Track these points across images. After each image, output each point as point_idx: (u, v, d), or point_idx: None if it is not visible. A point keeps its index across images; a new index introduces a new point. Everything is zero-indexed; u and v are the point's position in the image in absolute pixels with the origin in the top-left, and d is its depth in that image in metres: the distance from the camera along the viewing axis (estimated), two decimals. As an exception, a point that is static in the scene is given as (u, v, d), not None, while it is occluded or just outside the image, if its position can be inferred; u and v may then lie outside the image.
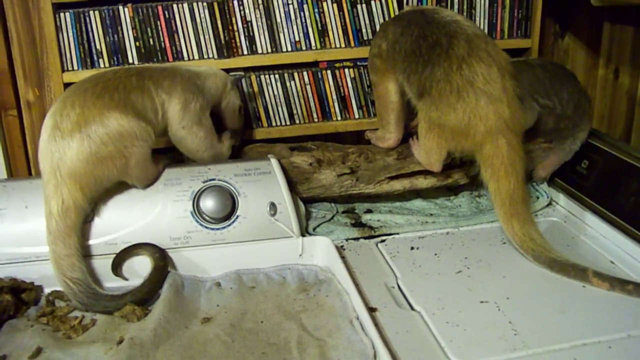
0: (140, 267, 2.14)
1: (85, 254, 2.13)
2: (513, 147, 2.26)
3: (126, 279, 2.14)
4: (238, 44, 2.83)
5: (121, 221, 2.20)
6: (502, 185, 2.26)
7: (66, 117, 2.07)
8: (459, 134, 2.28)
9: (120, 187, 2.22)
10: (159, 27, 2.76)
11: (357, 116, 2.99)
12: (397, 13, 2.89)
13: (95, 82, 2.16)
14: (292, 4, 2.83)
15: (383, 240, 2.42)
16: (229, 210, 2.25)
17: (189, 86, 2.34)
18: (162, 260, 2.11)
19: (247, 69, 2.86)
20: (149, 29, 2.75)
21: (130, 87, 2.18)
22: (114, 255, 2.14)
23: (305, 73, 2.91)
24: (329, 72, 2.92)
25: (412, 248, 2.35)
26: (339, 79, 2.93)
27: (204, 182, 2.27)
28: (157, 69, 2.35)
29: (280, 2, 2.82)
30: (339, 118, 2.98)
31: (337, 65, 2.92)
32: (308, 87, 2.92)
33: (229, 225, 2.24)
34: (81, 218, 2.10)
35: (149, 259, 2.13)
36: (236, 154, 2.62)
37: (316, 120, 2.97)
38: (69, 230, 2.05)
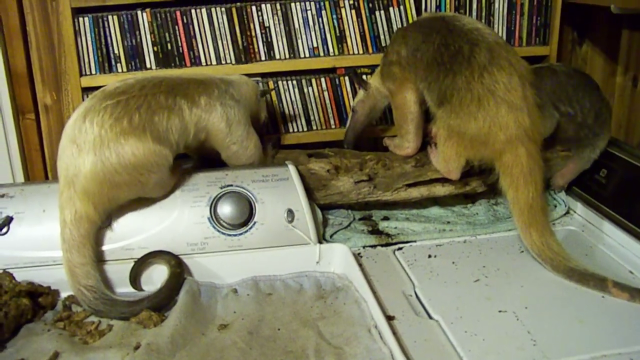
0: (156, 275, 2.14)
1: (102, 259, 2.14)
2: (532, 156, 2.25)
3: (143, 290, 2.14)
4: (256, 50, 2.83)
5: (138, 227, 2.20)
6: (521, 194, 2.26)
7: (84, 134, 2.03)
8: (479, 143, 2.28)
9: (138, 193, 2.22)
10: (177, 32, 2.76)
11: (374, 122, 2.98)
12: (415, 19, 2.88)
13: (117, 100, 2.09)
14: (310, 10, 2.83)
15: (400, 248, 2.41)
16: (246, 217, 2.24)
17: (227, 100, 2.32)
18: (179, 267, 2.10)
19: (264, 75, 2.86)
20: (167, 34, 2.76)
21: (156, 106, 2.12)
22: (131, 267, 2.13)
23: (323, 79, 2.91)
24: (346, 78, 2.92)
25: (429, 256, 2.34)
26: (356, 86, 2.92)
27: (221, 188, 2.27)
28: (191, 82, 2.27)
29: (298, 8, 2.82)
30: (357, 124, 2.97)
31: (355, 71, 2.91)
32: (325, 93, 2.92)
33: (246, 231, 2.23)
34: (95, 228, 2.09)
35: (165, 266, 2.12)
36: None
37: (333, 126, 2.97)
38: (83, 239, 2.05)
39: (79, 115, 2.08)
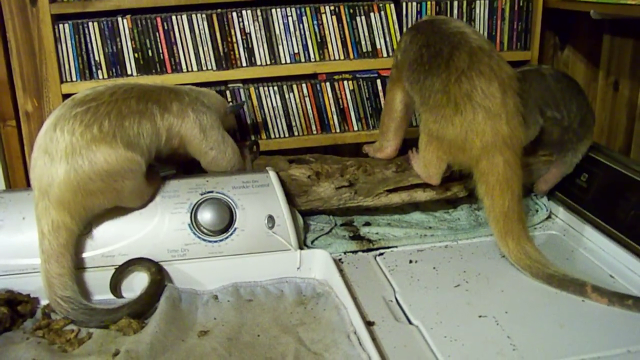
0: (137, 282, 2.14)
1: (82, 266, 2.13)
2: (510, 164, 2.25)
3: (123, 298, 2.13)
4: (237, 56, 2.83)
5: (118, 234, 2.19)
6: (497, 203, 2.26)
7: (55, 143, 2.01)
8: (456, 148, 2.28)
9: (117, 199, 2.21)
10: (158, 38, 2.76)
11: (356, 128, 2.99)
12: (396, 25, 2.90)
13: (87, 107, 2.07)
14: (291, 15, 2.82)
15: (381, 254, 2.41)
16: (226, 223, 2.23)
17: (199, 106, 2.32)
18: (159, 274, 2.10)
19: (245, 81, 2.86)
20: (147, 41, 2.75)
21: (127, 111, 2.11)
22: (111, 275, 2.13)
23: (304, 85, 2.91)
24: (327, 84, 2.92)
25: (410, 261, 2.34)
26: (337, 91, 2.93)
27: (201, 195, 2.26)
28: (162, 90, 2.27)
29: (279, 14, 2.82)
30: (338, 130, 2.98)
31: (336, 77, 2.92)
32: (307, 99, 2.92)
33: (226, 237, 2.23)
34: (73, 237, 2.07)
35: (146, 274, 2.12)
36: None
37: (315, 132, 2.97)
38: (61, 249, 2.03)
39: (50, 124, 2.06)
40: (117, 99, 2.12)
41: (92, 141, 2.02)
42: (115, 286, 2.13)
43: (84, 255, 2.15)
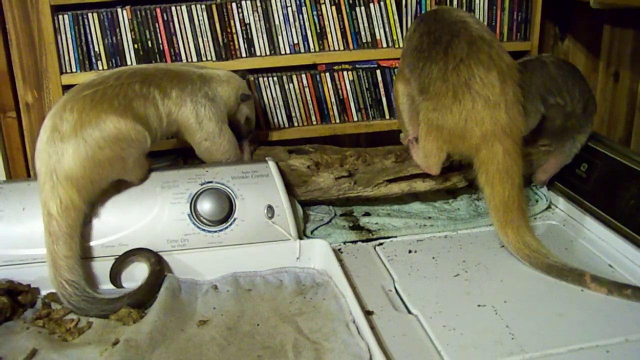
0: (138, 272, 2.14)
1: (82, 256, 2.12)
2: (509, 153, 2.24)
3: (123, 288, 2.14)
4: (236, 47, 2.83)
5: (118, 224, 2.20)
6: (497, 192, 2.25)
7: (65, 121, 2.06)
8: (457, 137, 2.27)
9: (118, 189, 2.22)
10: (158, 29, 2.75)
11: (355, 119, 2.99)
12: (395, 16, 2.90)
13: (95, 89, 2.14)
14: (291, 6, 2.82)
15: (381, 244, 2.41)
16: (226, 213, 2.24)
17: (199, 97, 2.33)
18: (159, 265, 2.11)
19: (245, 72, 2.85)
20: (147, 31, 2.75)
21: (132, 94, 2.17)
22: (111, 265, 2.14)
23: (303, 75, 2.91)
24: (327, 74, 2.92)
25: (410, 251, 2.34)
26: (337, 82, 2.93)
27: (201, 185, 2.26)
28: (167, 73, 2.30)
29: (278, 4, 2.82)
30: (338, 121, 2.98)
31: (335, 67, 2.92)
32: (307, 89, 2.92)
33: (226, 228, 2.23)
34: (81, 217, 2.09)
35: (146, 264, 2.12)
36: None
37: (315, 122, 2.97)
38: (70, 230, 2.05)
39: (59, 106, 2.12)
40: (123, 82, 2.18)
41: (102, 112, 2.09)
42: (115, 276, 2.14)
43: (84, 245, 2.14)
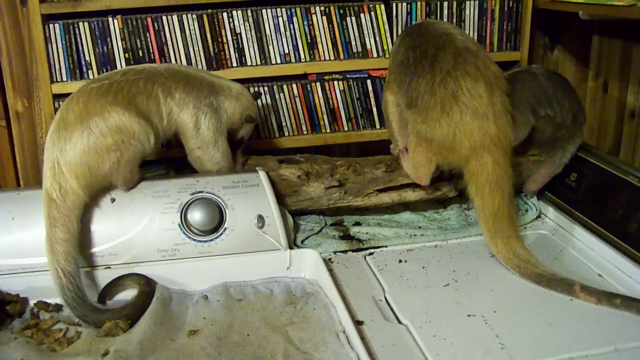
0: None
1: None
2: (499, 164, 2.25)
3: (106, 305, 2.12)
4: (227, 56, 2.83)
5: (109, 233, 2.19)
6: (486, 203, 2.26)
7: (71, 111, 2.12)
8: (445, 149, 2.27)
9: (108, 198, 2.22)
10: (149, 38, 2.75)
11: (346, 128, 2.99)
12: (386, 26, 2.91)
13: (101, 83, 2.19)
14: (282, 16, 2.83)
15: (371, 253, 2.41)
16: (216, 223, 2.24)
17: (203, 105, 2.34)
18: (148, 286, 2.10)
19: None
20: (138, 41, 2.75)
21: (136, 90, 2.21)
22: (102, 289, 2.14)
23: (294, 85, 2.91)
24: (318, 84, 2.92)
25: (400, 261, 2.34)
26: (328, 92, 2.93)
27: (191, 195, 2.26)
28: (174, 75, 2.33)
29: (269, 14, 2.82)
30: (328, 130, 2.98)
31: (326, 77, 2.93)
32: (297, 99, 2.92)
33: (216, 237, 2.23)
34: (80, 203, 2.11)
35: (136, 288, 2.11)
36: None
37: (305, 132, 2.97)
38: (69, 212, 2.07)
39: (67, 101, 2.18)
40: (128, 79, 2.23)
41: (106, 104, 2.13)
42: (103, 298, 2.12)
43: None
